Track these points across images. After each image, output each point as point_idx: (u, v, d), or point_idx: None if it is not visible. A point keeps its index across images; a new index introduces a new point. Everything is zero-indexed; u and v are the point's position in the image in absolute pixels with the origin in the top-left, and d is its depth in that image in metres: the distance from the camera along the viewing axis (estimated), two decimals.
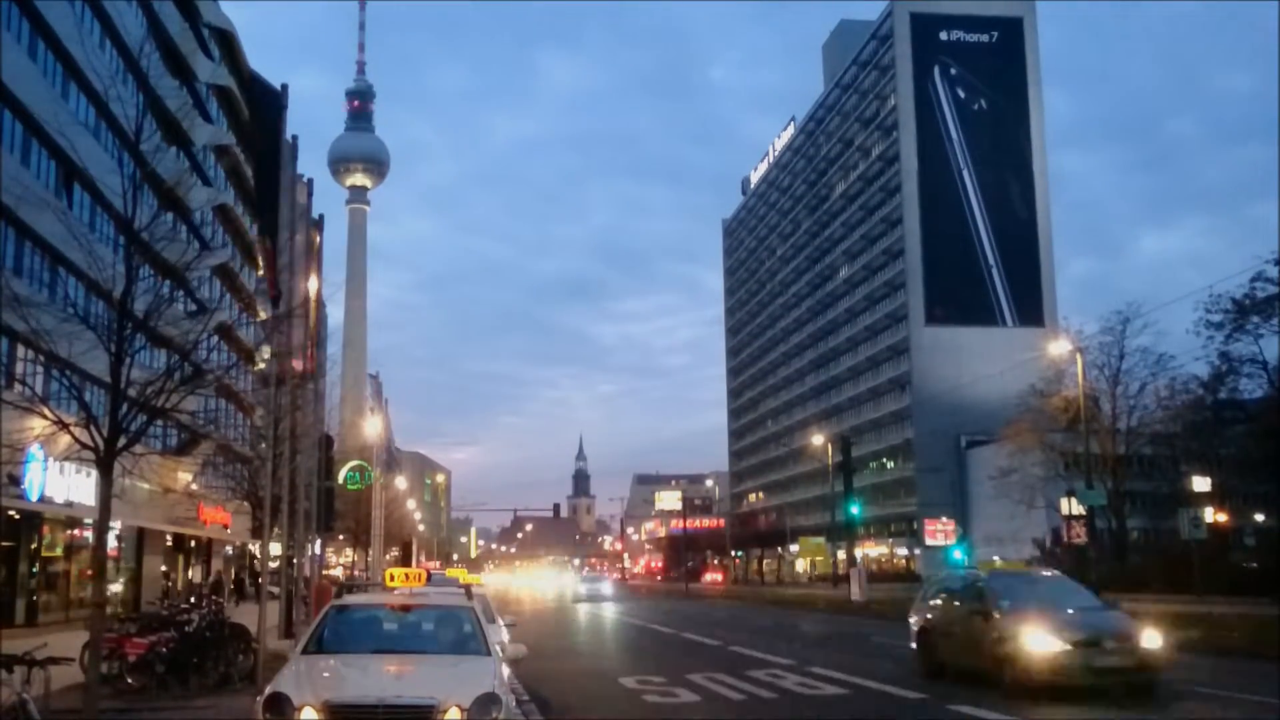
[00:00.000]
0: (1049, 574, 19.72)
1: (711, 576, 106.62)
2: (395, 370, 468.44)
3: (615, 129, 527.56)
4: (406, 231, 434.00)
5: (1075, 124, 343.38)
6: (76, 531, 31.09)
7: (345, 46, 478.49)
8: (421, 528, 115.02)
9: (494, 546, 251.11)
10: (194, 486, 35.85)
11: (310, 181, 38.97)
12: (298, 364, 21.61)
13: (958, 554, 73.44)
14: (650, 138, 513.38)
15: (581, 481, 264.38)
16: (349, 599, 11.08)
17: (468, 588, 13.22)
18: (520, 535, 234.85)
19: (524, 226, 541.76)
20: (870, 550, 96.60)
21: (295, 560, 25.41)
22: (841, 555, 71.04)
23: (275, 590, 23.10)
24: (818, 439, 79.36)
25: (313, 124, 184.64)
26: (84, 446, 10.37)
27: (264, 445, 23.16)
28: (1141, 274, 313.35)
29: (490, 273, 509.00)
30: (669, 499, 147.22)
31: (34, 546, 28.69)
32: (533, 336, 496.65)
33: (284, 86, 14.94)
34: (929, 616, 16.62)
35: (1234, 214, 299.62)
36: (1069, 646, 13.10)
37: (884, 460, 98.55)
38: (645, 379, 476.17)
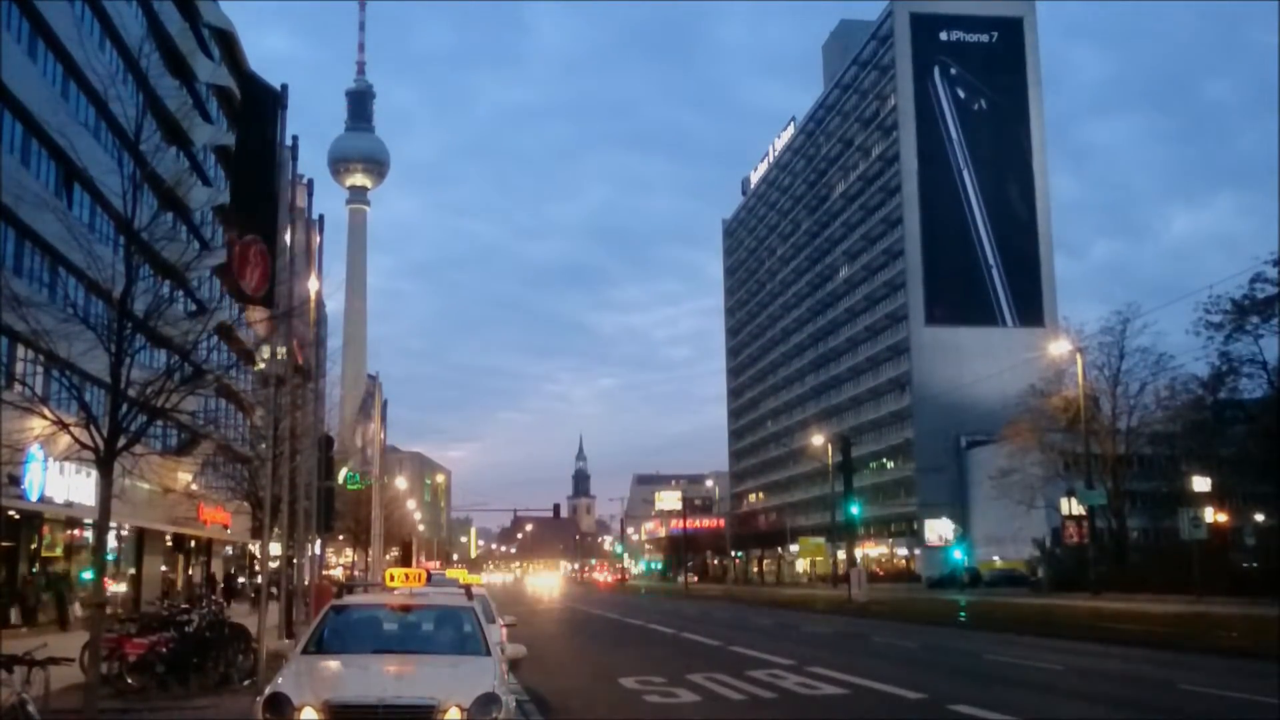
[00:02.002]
0: None
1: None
2: (390, 364, 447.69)
3: (611, 94, 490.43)
4: (391, 211, 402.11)
5: (1107, 87, 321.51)
6: (76, 531, 31.10)
7: (345, 41, 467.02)
8: (421, 528, 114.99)
9: (494, 547, 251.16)
10: (194, 487, 35.84)
11: (310, 182, 39.06)
12: (300, 358, 21.57)
13: (958, 554, 73.61)
14: (649, 104, 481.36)
15: (581, 482, 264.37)
16: (349, 599, 11.07)
17: (468, 588, 13.23)
18: (520, 535, 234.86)
19: (516, 206, 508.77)
20: (870, 550, 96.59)
21: (295, 560, 25.39)
22: (841, 555, 71.01)
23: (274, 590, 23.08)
24: (818, 439, 79.35)
25: (311, 120, 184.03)
26: (84, 446, 10.37)
27: (264, 445, 23.17)
28: (1169, 257, 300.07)
29: (482, 257, 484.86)
30: (669, 499, 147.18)
31: (34, 546, 28.70)
32: (529, 327, 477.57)
33: (284, 87, 14.90)
34: None
35: (1270, 190, 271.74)
36: None
37: (884, 460, 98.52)
38: (646, 372, 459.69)
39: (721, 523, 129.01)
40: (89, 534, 30.10)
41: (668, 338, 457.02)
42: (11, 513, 25.72)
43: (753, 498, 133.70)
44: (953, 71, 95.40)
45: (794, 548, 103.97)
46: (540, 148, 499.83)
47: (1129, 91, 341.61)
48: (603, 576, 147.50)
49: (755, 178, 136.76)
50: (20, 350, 19.96)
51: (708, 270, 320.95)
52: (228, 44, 47.09)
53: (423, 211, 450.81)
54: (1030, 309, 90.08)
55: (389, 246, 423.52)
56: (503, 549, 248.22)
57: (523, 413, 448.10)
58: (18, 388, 11.85)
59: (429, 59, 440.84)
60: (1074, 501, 51.39)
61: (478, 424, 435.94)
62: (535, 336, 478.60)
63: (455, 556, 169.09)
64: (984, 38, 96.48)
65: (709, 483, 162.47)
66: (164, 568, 40.45)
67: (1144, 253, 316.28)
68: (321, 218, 34.32)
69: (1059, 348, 52.33)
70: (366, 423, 42.12)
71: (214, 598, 22.67)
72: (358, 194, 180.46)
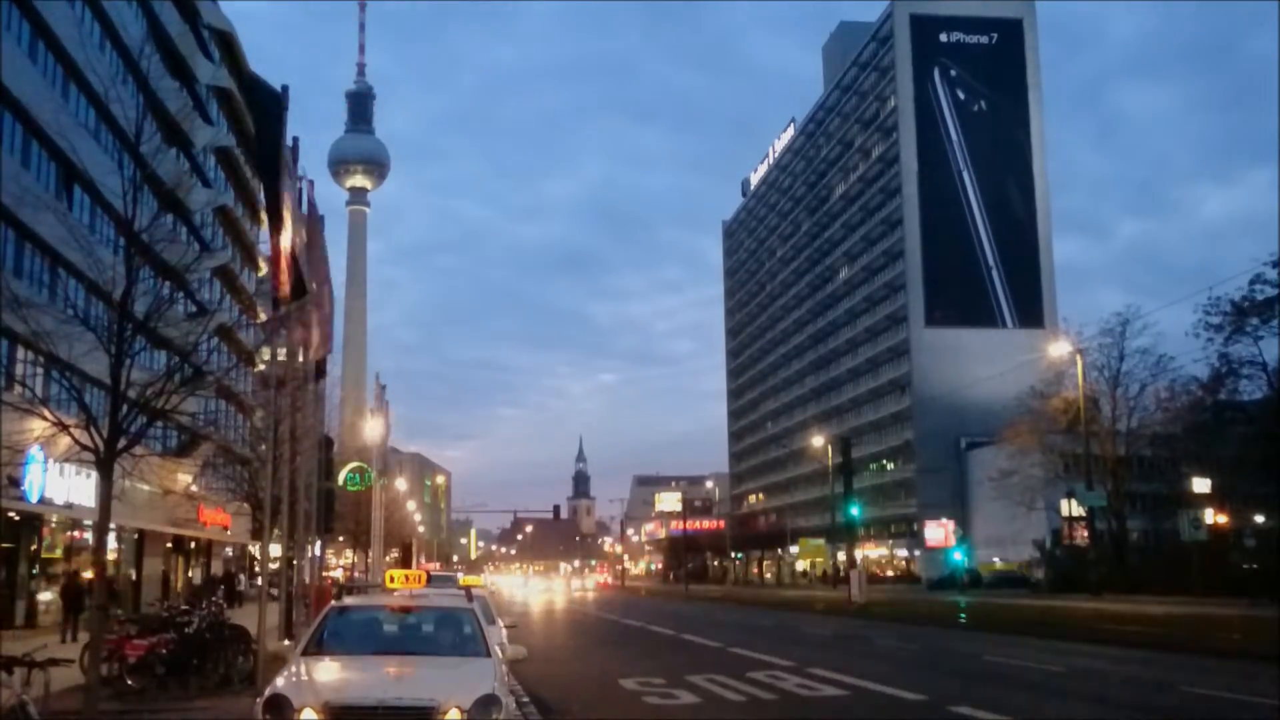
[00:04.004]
0: None
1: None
2: (384, 358, 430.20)
3: (608, 54, 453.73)
4: (375, 191, 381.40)
5: (1141, 45, 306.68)
6: (76, 533, 31.08)
7: (344, 38, 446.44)
8: (421, 529, 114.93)
9: (494, 548, 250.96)
10: (194, 488, 35.82)
11: (310, 184, 39.26)
12: (317, 351, 21.40)
13: (958, 555, 73.60)
14: (649, 65, 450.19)
15: (581, 483, 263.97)
16: (349, 600, 11.07)
17: (468, 589, 13.23)
18: (520, 537, 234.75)
19: (506, 183, 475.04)
20: (870, 552, 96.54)
21: (295, 562, 25.38)
22: (841, 557, 71.00)
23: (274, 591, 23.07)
24: (818, 440, 79.30)
25: (310, 119, 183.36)
26: (84, 448, 10.37)
27: (264, 447, 23.16)
28: (1200, 238, 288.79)
29: (473, 240, 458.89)
30: (669, 500, 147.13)
31: (34, 548, 28.68)
32: (525, 318, 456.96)
33: (285, 88, 14.98)
34: None
35: None
36: None
37: (884, 462, 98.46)
38: (646, 367, 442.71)
39: (722, 524, 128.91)
40: (89, 535, 30.09)
41: (668, 330, 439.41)
42: (11, 514, 25.70)
43: (753, 499, 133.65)
44: (953, 73, 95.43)
45: (794, 549, 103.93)
46: (532, 116, 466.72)
47: (1163, 50, 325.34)
48: (603, 577, 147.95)
49: (755, 179, 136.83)
50: (20, 351, 19.96)
51: (709, 256, 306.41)
52: (228, 45, 47.12)
53: (407, 190, 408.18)
54: (1030, 310, 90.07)
55: (374, 230, 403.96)
56: (503, 550, 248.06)
57: (521, 409, 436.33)
58: (18, 389, 11.85)
59: (407, 13, 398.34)
60: (1074, 503, 51.40)
61: (475, 421, 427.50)
62: (531, 327, 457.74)
63: (455, 558, 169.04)
64: (984, 39, 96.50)
65: (709, 484, 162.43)
66: (164, 569, 40.43)
67: (1173, 233, 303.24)
68: (322, 218, 34.30)
69: (1059, 349, 52.34)
70: (375, 421, 42.32)
71: (215, 599, 22.64)
72: (358, 195, 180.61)
